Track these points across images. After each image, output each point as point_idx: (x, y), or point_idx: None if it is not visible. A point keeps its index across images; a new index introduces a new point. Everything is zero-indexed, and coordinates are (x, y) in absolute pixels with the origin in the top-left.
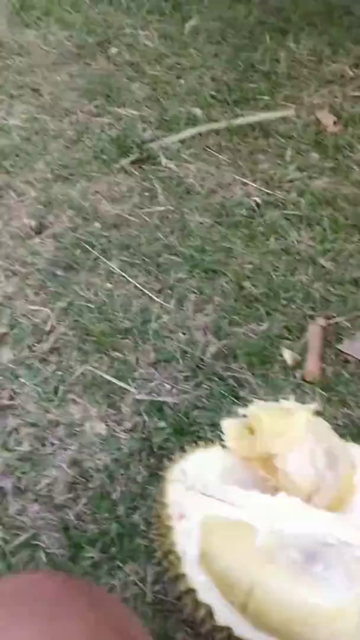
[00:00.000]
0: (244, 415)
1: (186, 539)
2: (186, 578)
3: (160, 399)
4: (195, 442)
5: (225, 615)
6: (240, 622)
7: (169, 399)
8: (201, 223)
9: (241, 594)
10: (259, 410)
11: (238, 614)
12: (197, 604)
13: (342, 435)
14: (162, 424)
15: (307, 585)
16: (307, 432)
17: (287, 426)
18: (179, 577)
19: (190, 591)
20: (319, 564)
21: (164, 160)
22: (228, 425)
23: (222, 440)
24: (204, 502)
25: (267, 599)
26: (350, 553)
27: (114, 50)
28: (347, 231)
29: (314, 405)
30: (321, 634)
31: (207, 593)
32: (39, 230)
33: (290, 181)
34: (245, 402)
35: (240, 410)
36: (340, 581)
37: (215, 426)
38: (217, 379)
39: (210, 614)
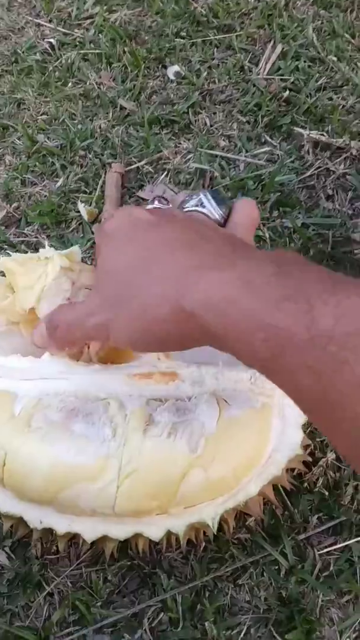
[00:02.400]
0: (1, 272)
1: None
2: None
3: None
4: None
5: None
6: (3, 497)
7: None
8: None
9: None
10: (11, 263)
11: (0, 489)
12: None
13: None
14: None
15: (66, 445)
16: (62, 279)
17: (42, 276)
18: None
19: None
20: (80, 422)
21: None
22: None
23: None
24: None
25: (20, 467)
26: (117, 404)
27: None
28: (149, 66)
29: (74, 249)
30: (84, 495)
31: None
32: None
33: (90, 17)
34: None
35: None
36: (102, 435)
37: None
38: (7, 247)
39: None
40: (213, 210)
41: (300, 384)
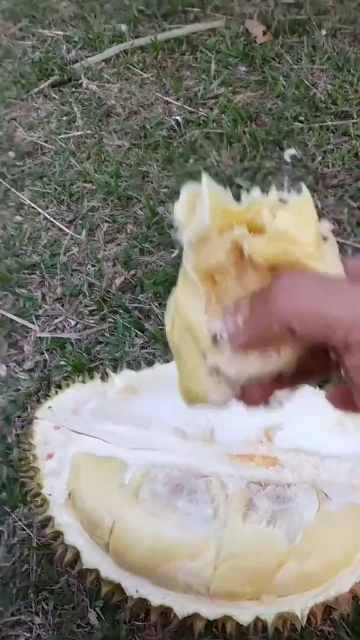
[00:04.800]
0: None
1: (54, 480)
2: (53, 520)
3: (64, 335)
4: (71, 378)
5: (92, 556)
6: (106, 562)
7: (72, 335)
8: (119, 147)
9: (104, 533)
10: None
11: (104, 555)
12: (65, 546)
13: None
14: (63, 362)
15: (170, 521)
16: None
17: None
18: (48, 519)
19: (58, 533)
20: (184, 498)
21: (85, 82)
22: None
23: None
24: (74, 439)
25: (126, 536)
26: (219, 483)
27: None
28: (267, 147)
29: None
30: (182, 572)
31: (73, 534)
32: None
33: (214, 97)
34: (149, 335)
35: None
36: (204, 514)
37: (116, 361)
38: (122, 311)
39: (77, 556)
40: None
41: None
